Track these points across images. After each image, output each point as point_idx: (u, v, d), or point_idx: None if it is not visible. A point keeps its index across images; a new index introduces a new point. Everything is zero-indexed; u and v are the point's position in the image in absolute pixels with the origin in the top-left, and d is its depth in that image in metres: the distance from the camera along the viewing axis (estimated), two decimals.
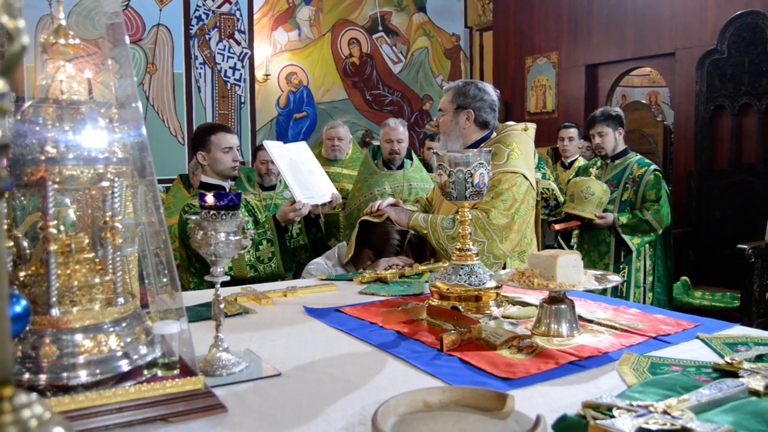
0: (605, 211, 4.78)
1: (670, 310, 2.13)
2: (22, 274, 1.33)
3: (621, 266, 4.83)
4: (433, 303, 2.12)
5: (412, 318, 2.03)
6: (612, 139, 4.94)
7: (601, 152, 5.00)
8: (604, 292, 4.49)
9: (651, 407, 1.17)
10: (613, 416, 1.16)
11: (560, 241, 5.21)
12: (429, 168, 5.51)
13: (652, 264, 4.90)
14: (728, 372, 1.46)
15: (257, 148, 5.15)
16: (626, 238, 4.76)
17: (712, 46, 6.11)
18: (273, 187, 4.90)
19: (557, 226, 4.79)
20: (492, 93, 3.04)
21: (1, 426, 0.56)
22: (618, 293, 4.78)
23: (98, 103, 1.47)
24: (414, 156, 5.00)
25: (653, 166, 4.85)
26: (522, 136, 2.96)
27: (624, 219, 4.75)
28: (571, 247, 5.09)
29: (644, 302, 4.77)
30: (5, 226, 1.30)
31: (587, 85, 7.79)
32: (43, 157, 1.27)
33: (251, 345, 1.79)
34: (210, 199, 1.47)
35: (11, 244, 1.33)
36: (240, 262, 3.26)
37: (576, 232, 5.07)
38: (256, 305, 2.30)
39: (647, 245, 4.85)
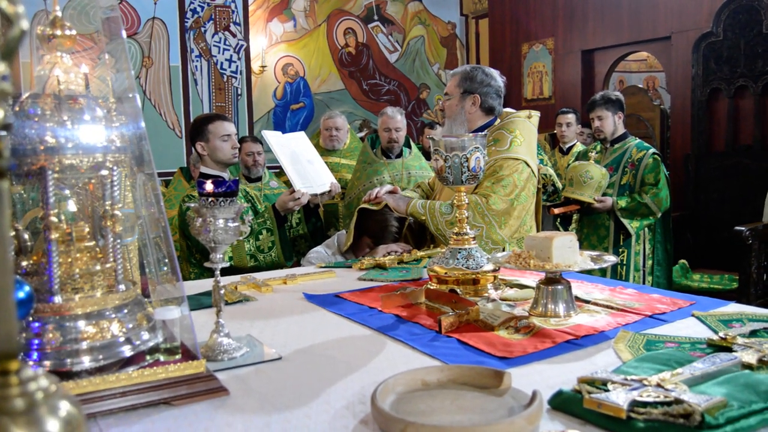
0: (604, 194, 4.79)
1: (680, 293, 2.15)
2: (24, 263, 1.35)
3: (620, 250, 4.85)
4: (431, 287, 2.14)
5: (410, 302, 2.05)
6: (611, 122, 4.94)
7: (600, 136, 5.00)
8: (603, 275, 4.51)
9: (645, 381, 1.19)
10: (608, 390, 1.18)
11: (558, 226, 5.23)
12: (428, 156, 5.52)
13: (651, 248, 4.91)
14: (722, 347, 1.48)
15: (241, 140, 5.15)
16: (625, 221, 4.77)
17: (708, 29, 6.11)
18: (259, 179, 4.90)
19: (556, 210, 4.81)
20: (498, 79, 3.06)
21: (8, 398, 0.58)
22: (618, 277, 4.80)
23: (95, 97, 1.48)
24: (412, 144, 5.01)
25: (652, 150, 4.85)
26: (525, 124, 2.98)
27: (623, 202, 4.76)
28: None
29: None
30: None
31: (584, 71, 7.79)
32: (42, 147, 1.28)
33: (252, 331, 1.81)
34: (208, 186, 1.49)
35: (12, 234, 1.35)
36: (240, 252, 3.28)
37: (575, 216, 5.09)
38: (257, 293, 2.33)
39: (646, 229, 4.86)
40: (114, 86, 1.55)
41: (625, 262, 4.85)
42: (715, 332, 1.62)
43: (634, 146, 4.92)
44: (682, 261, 5.64)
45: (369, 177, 4.67)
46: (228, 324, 1.64)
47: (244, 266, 3.26)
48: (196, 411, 1.26)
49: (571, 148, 6.37)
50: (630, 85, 9.53)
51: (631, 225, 4.77)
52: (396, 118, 4.79)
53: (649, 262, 4.91)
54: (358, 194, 4.58)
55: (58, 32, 1.39)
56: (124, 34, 1.57)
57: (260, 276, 2.57)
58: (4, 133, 0.59)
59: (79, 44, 1.46)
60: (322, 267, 2.82)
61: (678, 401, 1.11)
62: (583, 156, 5.19)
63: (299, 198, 3.37)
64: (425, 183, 3.47)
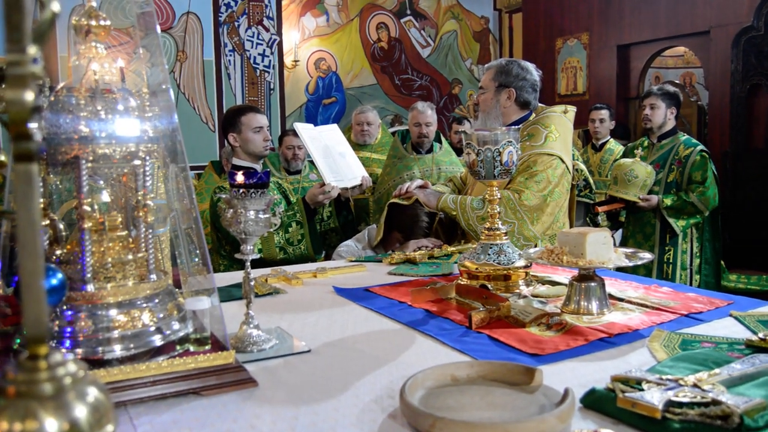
0: (650, 192, 4.69)
1: (717, 292, 2.09)
2: (58, 252, 1.36)
3: (666, 248, 4.72)
4: (462, 282, 2.12)
5: (440, 297, 2.03)
6: (662, 114, 4.81)
7: (647, 125, 4.86)
8: (648, 273, 4.43)
9: (681, 381, 1.16)
10: (642, 390, 1.15)
11: (589, 222, 5.15)
12: (458, 151, 5.49)
13: (699, 246, 4.77)
14: (761, 348, 1.44)
15: (282, 134, 5.19)
16: (671, 220, 4.64)
17: (749, 23, 5.97)
18: (299, 172, 4.92)
19: (600, 208, 4.73)
20: (534, 73, 3.01)
21: (36, 382, 0.58)
22: (664, 275, 4.67)
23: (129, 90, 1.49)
24: (443, 139, 4.98)
25: (700, 147, 4.70)
26: (561, 119, 2.93)
27: (668, 201, 4.64)
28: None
29: (691, 285, 4.64)
30: (41, 206, 1.34)
31: (619, 66, 7.67)
32: (76, 136, 1.30)
33: (281, 323, 1.81)
34: (240, 177, 1.49)
35: (47, 222, 1.36)
36: (269, 244, 3.29)
37: (623, 215, 4.99)
38: (287, 286, 2.33)
39: (693, 227, 4.74)
40: (149, 80, 1.56)
41: (671, 261, 4.72)
42: (754, 333, 1.58)
43: (682, 143, 4.77)
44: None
45: (399, 172, 4.65)
46: (257, 316, 1.64)
47: (273, 258, 3.27)
48: (225, 402, 1.26)
49: (604, 144, 6.27)
50: (666, 81, 9.36)
51: (677, 224, 4.64)
52: (426, 113, 4.77)
53: (697, 261, 4.77)
54: (387, 189, 4.56)
55: (93, 23, 1.39)
56: (158, 28, 1.58)
57: (290, 269, 2.58)
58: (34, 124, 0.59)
59: (115, 39, 1.47)
60: (352, 261, 2.81)
61: (716, 402, 1.07)
62: (630, 153, 5.07)
63: (329, 191, 3.37)
64: (457, 177, 3.43)
